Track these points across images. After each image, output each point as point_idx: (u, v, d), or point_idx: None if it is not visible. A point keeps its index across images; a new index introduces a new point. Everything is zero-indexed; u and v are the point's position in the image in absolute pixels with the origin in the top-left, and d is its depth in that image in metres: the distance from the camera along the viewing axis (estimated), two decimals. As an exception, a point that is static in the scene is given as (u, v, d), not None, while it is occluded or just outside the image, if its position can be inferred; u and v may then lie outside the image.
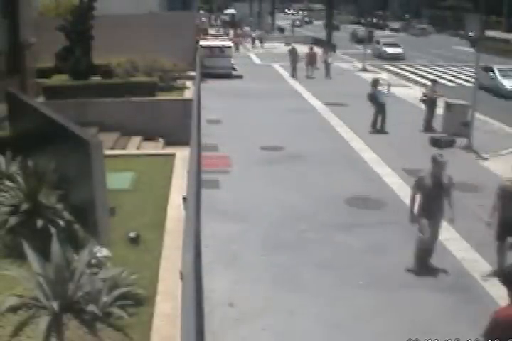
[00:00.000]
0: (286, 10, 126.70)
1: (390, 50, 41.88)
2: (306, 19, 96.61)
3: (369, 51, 41.36)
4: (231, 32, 56.33)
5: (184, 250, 4.20)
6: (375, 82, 17.86)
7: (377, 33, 61.53)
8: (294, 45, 32.97)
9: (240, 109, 20.53)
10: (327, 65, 29.62)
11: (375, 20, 77.72)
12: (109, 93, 16.09)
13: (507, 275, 4.62)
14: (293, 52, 29.90)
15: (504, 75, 26.66)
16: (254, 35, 53.45)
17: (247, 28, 59.96)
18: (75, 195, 7.37)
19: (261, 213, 10.53)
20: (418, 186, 8.07)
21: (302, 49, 31.88)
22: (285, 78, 29.34)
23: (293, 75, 29.46)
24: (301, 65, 29.66)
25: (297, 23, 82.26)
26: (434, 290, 7.80)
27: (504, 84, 25.96)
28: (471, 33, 71.40)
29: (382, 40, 44.16)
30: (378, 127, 17.36)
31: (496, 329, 4.45)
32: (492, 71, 27.20)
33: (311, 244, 9.27)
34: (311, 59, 29.51)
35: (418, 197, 8.14)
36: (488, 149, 15.11)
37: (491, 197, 8.23)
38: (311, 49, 30.43)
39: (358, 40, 54.21)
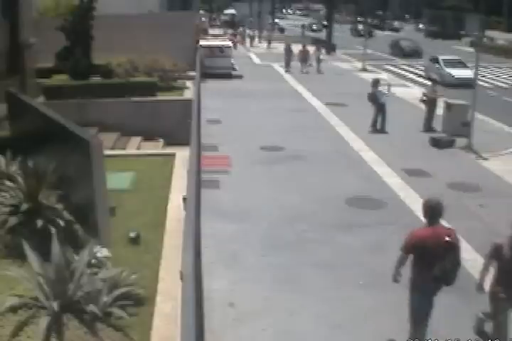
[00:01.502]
0: (284, 10, 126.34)
1: (457, 73, 27.86)
2: (325, 22, 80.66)
3: (419, 67, 34.08)
4: (230, 32, 56.48)
5: (184, 250, 4.20)
6: (376, 82, 17.86)
7: (378, 32, 61.53)
8: (291, 43, 33.53)
9: (240, 109, 20.52)
10: (318, 61, 32.07)
11: (372, 21, 76.62)
12: (109, 93, 16.10)
13: (424, 207, 5.98)
14: (288, 50, 32.24)
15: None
16: (251, 34, 53.71)
17: (241, 28, 59.88)
18: (75, 195, 7.38)
19: (261, 213, 10.52)
20: (493, 255, 6.36)
21: (300, 48, 32.30)
22: (285, 78, 29.34)
23: (287, 70, 31.66)
24: (296, 62, 31.39)
25: (314, 27, 72.95)
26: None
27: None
28: (420, 26, 70.15)
29: (443, 57, 30.27)
30: (378, 127, 17.36)
31: (409, 246, 6.04)
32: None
33: (311, 243, 9.27)
34: (304, 56, 31.60)
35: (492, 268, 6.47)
36: (488, 149, 15.10)
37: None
38: (304, 46, 32.18)
39: (404, 53, 41.71)
